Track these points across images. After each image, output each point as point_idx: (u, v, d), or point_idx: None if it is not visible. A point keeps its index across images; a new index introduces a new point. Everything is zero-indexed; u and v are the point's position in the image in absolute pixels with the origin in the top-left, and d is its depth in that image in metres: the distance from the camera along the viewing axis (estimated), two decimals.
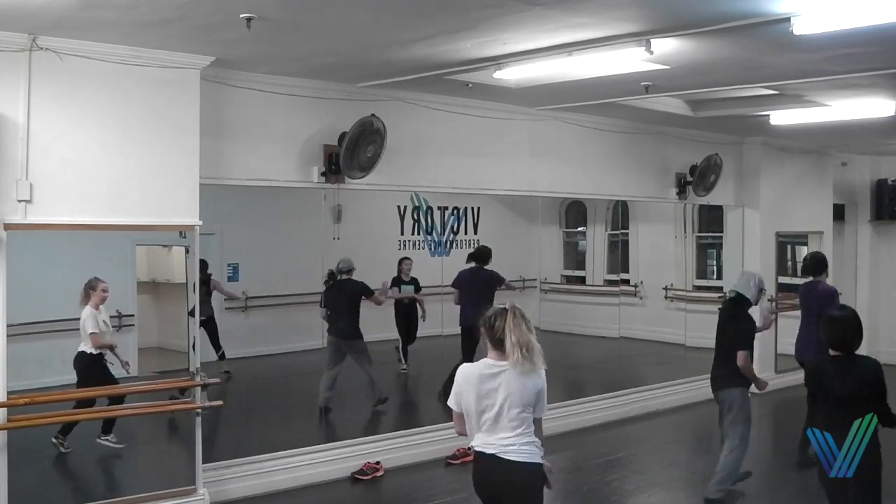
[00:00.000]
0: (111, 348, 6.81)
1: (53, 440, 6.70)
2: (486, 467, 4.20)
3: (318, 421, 8.89)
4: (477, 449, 4.23)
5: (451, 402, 4.30)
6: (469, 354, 9.28)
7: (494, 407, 4.13)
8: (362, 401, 9.26)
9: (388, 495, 7.45)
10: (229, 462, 7.06)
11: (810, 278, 8.61)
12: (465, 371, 4.25)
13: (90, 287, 6.71)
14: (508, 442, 4.13)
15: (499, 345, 4.12)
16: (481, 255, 9.71)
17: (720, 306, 7.28)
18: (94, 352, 6.76)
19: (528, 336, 4.09)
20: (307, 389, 10.19)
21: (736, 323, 6.82)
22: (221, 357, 10.24)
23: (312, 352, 10.32)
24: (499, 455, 4.14)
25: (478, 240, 13.11)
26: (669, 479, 7.54)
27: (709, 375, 7.08)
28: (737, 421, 6.76)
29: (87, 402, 6.56)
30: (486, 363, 4.19)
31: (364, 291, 9.23)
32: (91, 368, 6.74)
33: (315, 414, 9.04)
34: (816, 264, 8.58)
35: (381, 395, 9.25)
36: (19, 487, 5.73)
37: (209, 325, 9.82)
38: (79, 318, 6.83)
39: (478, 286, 9.39)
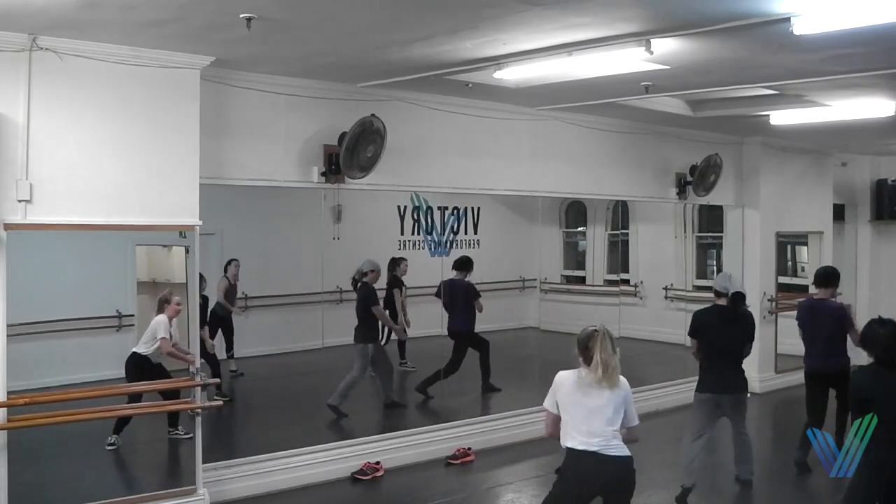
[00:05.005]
0: (176, 356, 7.02)
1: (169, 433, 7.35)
2: (587, 463, 4.68)
3: (333, 416, 8.91)
4: (580, 448, 4.70)
5: (547, 404, 4.86)
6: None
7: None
8: (363, 401, 9.26)
9: (388, 495, 7.45)
10: (229, 462, 7.07)
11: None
12: (563, 377, 4.81)
13: (164, 300, 7.12)
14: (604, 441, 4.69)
15: (589, 361, 4.70)
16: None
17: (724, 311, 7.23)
18: (145, 353, 7.12)
19: (610, 355, 4.67)
20: (307, 389, 10.20)
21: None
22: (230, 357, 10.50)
23: (312, 352, 10.32)
24: (600, 452, 4.66)
25: (478, 240, 13.11)
26: (669, 479, 7.52)
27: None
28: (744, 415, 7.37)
29: (138, 398, 6.79)
30: (581, 373, 4.74)
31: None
32: (141, 369, 7.02)
33: (314, 414, 9.05)
34: (825, 278, 8.08)
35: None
36: (19, 487, 5.73)
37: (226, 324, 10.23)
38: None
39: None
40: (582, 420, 4.70)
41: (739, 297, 7.07)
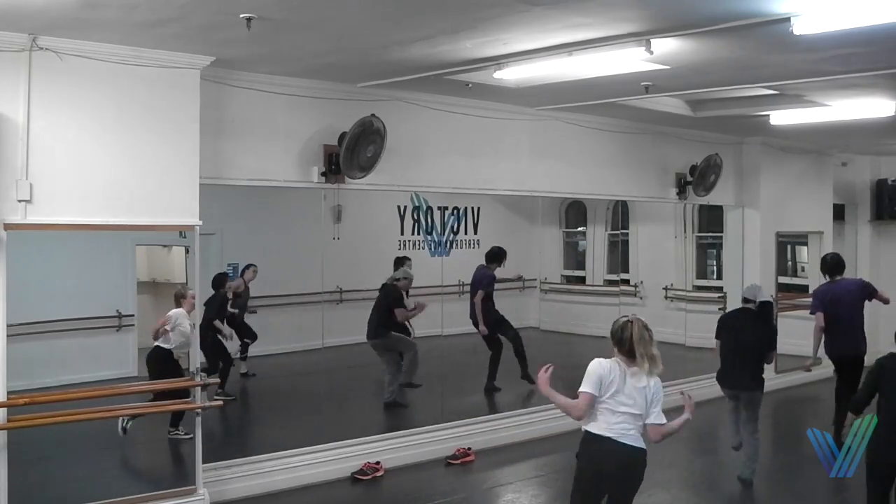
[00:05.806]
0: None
1: (169, 433, 7.43)
2: (602, 446, 4.66)
3: (333, 416, 8.92)
4: (597, 432, 4.68)
5: (589, 388, 4.66)
6: None
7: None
8: (363, 401, 9.27)
9: (388, 495, 7.45)
10: (229, 462, 7.06)
11: (827, 278, 8.72)
12: (605, 364, 4.70)
13: (181, 295, 7.08)
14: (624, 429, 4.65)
15: (630, 354, 4.65)
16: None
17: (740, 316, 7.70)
18: (169, 347, 7.20)
19: (648, 346, 4.64)
20: (307, 389, 10.19)
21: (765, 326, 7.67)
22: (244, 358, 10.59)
23: (313, 352, 10.29)
24: (615, 438, 4.63)
25: (478, 240, 13.11)
26: (669, 479, 7.53)
27: (711, 375, 7.77)
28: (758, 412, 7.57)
29: (163, 395, 6.84)
30: (619, 363, 4.68)
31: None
32: (165, 363, 7.13)
33: (314, 414, 9.04)
34: (836, 265, 8.70)
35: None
36: (19, 487, 5.73)
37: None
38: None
39: None
40: (611, 409, 4.63)
41: (768, 306, 7.64)
